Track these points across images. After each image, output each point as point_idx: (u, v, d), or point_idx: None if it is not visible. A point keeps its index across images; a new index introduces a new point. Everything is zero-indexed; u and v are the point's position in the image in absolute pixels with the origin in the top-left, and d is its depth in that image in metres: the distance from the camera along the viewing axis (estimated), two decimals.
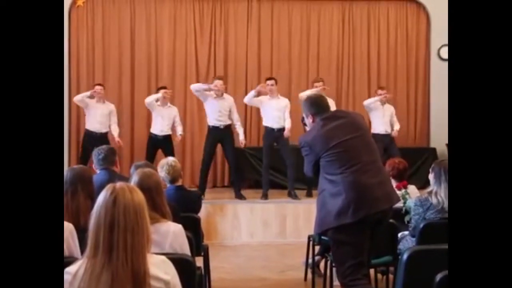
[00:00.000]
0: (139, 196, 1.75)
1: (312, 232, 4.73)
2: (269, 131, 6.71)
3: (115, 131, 6.97)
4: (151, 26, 7.99)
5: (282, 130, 6.65)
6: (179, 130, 6.99)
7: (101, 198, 1.78)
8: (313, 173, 3.20)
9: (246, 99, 6.83)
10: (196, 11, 8.06)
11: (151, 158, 6.90)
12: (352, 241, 2.98)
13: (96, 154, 3.66)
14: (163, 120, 6.87)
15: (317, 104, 3.22)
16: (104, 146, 3.79)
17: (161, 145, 6.90)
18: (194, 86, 6.74)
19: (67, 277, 1.75)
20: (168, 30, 8.00)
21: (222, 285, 4.58)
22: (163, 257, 1.83)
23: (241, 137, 6.80)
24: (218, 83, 6.61)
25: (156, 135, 6.88)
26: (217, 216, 6.34)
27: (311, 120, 3.22)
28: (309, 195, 6.85)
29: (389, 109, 7.36)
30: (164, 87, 7.04)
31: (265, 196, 6.67)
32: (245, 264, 5.43)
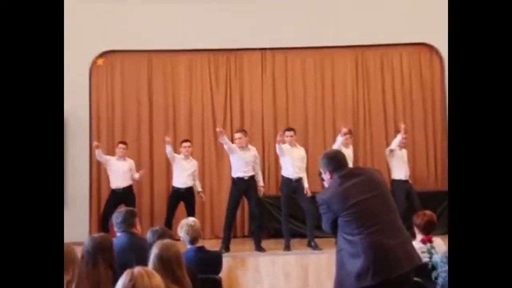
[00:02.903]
0: (157, 281, 1.76)
1: None
2: (287, 181, 6.68)
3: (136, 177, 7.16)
4: (168, 80, 8.17)
5: (299, 180, 6.61)
6: (198, 186, 7.05)
7: (119, 284, 1.79)
8: (331, 231, 3.16)
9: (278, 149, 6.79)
10: (211, 63, 8.23)
11: (172, 211, 6.94)
12: None
13: (115, 217, 3.68)
14: (185, 172, 6.92)
15: (334, 161, 3.21)
16: (122, 209, 3.81)
17: (183, 197, 6.92)
18: (225, 143, 6.76)
19: None
20: (184, 83, 8.17)
21: None
22: None
23: (261, 183, 6.82)
24: (237, 135, 6.69)
25: (178, 188, 6.92)
26: (239, 270, 6.25)
27: (328, 177, 3.21)
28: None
29: (406, 153, 7.31)
30: (187, 140, 7.14)
31: (287, 248, 6.59)
32: None
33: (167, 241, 2.65)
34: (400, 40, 8.23)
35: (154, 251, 2.52)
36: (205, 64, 8.23)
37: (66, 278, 2.32)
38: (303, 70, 8.29)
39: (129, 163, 7.20)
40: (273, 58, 8.28)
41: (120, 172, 7.04)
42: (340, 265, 3.04)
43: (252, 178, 6.69)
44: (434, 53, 8.35)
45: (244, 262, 6.31)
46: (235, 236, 7.81)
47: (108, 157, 7.12)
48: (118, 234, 3.64)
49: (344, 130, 6.90)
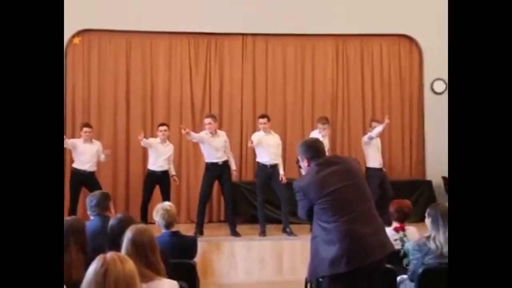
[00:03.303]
0: (130, 267, 1.74)
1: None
2: (262, 167, 6.69)
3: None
4: (147, 63, 8.05)
5: (274, 166, 6.63)
6: (172, 170, 6.99)
7: (91, 269, 1.77)
8: (307, 218, 3.18)
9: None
10: (191, 47, 8.14)
11: (148, 194, 6.89)
12: None
13: (89, 200, 3.63)
14: (162, 156, 6.86)
15: (313, 149, 3.22)
16: (96, 192, 3.76)
17: (159, 181, 6.88)
18: (194, 139, 6.69)
19: None
20: (164, 66, 8.07)
21: None
22: None
23: (233, 167, 6.78)
24: (206, 121, 6.59)
25: (154, 171, 6.86)
26: (213, 255, 6.27)
27: (306, 164, 3.22)
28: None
29: (379, 142, 7.39)
30: (164, 124, 7.05)
31: (263, 233, 6.62)
32: None
33: (140, 225, 2.63)
34: (380, 30, 8.27)
35: (127, 235, 2.50)
36: (185, 47, 8.13)
37: None
38: (283, 56, 8.27)
39: (97, 145, 7.05)
40: (254, 43, 8.24)
41: (88, 155, 6.88)
42: (315, 252, 3.07)
43: (225, 163, 6.67)
44: (414, 44, 8.42)
45: (219, 247, 6.33)
46: (210, 221, 7.83)
47: (73, 140, 6.95)
48: (92, 217, 3.59)
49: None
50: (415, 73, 8.39)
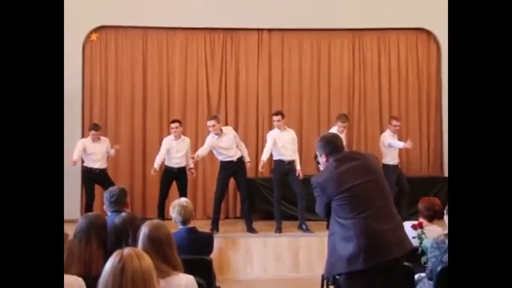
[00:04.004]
0: (147, 262, 1.75)
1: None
2: (279, 163, 6.66)
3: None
4: (163, 58, 8.08)
5: (291, 162, 6.60)
6: (190, 163, 7.00)
7: (108, 265, 1.78)
8: (325, 214, 3.15)
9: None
10: (207, 42, 8.14)
11: (165, 191, 6.93)
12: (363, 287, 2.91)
13: (108, 196, 3.65)
14: (178, 153, 6.88)
15: (331, 144, 3.18)
16: (115, 188, 3.78)
17: (176, 177, 6.91)
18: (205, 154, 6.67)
19: None
20: (180, 61, 8.08)
21: None
22: None
23: (247, 159, 6.76)
24: (210, 123, 6.53)
25: (171, 168, 6.89)
26: (230, 251, 6.28)
27: (324, 160, 3.19)
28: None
29: (396, 139, 7.25)
30: (176, 120, 7.06)
31: (279, 230, 6.60)
32: None
33: (156, 221, 2.63)
34: (397, 24, 8.17)
35: (143, 231, 2.50)
36: (201, 42, 8.13)
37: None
38: (299, 51, 8.22)
39: (105, 142, 7.16)
40: (269, 38, 8.20)
41: (98, 154, 7.01)
42: (332, 249, 3.05)
43: (240, 160, 6.65)
44: (432, 38, 8.30)
45: (236, 243, 6.34)
46: (227, 217, 7.85)
47: (82, 142, 7.01)
48: (109, 213, 3.61)
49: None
50: (433, 67, 8.29)
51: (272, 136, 6.62)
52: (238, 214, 7.91)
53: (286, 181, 6.79)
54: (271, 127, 8.03)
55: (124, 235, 2.90)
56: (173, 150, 6.87)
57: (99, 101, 7.96)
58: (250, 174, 7.85)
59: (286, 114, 7.93)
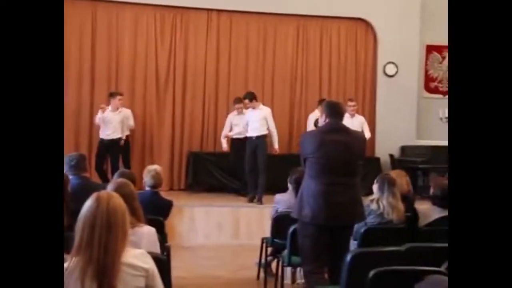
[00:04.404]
0: (117, 201, 2.09)
1: (264, 235, 5.18)
2: (249, 139, 7.13)
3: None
4: (112, 33, 8.16)
5: (259, 138, 7.05)
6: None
7: (87, 203, 2.11)
8: (303, 167, 3.59)
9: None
10: (157, 19, 8.31)
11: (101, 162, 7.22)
12: (311, 238, 3.45)
13: (68, 161, 3.89)
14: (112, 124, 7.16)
15: (332, 108, 3.59)
16: (74, 153, 4.03)
17: (108, 149, 7.19)
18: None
19: None
20: (129, 37, 8.21)
21: (180, 282, 4.89)
22: (142, 250, 2.17)
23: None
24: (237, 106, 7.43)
25: (102, 139, 7.19)
26: (175, 219, 6.62)
27: (323, 120, 3.61)
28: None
29: (359, 120, 7.66)
30: (116, 93, 7.30)
31: (251, 200, 7.07)
32: (201, 263, 5.76)
33: (120, 179, 2.96)
34: (339, 13, 8.68)
35: (110, 188, 2.82)
36: (151, 19, 8.28)
37: None
38: (246, 34, 8.57)
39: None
40: (218, 19, 8.49)
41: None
42: (299, 196, 3.55)
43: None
44: (370, 28, 8.90)
45: (181, 212, 6.70)
46: (171, 189, 8.16)
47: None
48: (70, 177, 3.86)
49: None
50: (370, 56, 8.90)
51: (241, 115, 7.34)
52: (182, 186, 8.24)
53: (238, 157, 7.30)
54: (216, 105, 8.44)
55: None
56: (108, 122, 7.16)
57: None
58: (195, 148, 8.27)
59: (231, 94, 8.36)
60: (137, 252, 2.11)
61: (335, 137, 3.47)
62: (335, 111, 3.57)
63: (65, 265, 2.06)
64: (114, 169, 7.05)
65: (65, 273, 2.03)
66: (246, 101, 7.15)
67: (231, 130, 7.53)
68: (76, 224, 2.09)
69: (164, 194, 7.02)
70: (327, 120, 3.54)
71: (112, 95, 7.28)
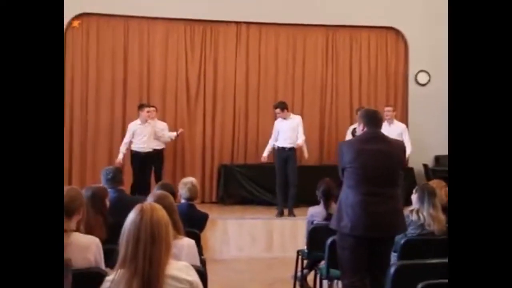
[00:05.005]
0: (160, 213, 2.08)
1: (297, 248, 5.11)
2: (279, 150, 7.03)
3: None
4: (144, 47, 8.30)
5: (290, 149, 6.96)
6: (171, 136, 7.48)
7: (130, 216, 2.10)
8: (341, 177, 3.52)
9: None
10: (187, 33, 8.40)
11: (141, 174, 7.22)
12: (350, 249, 3.37)
13: (105, 174, 3.94)
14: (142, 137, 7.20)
15: (370, 117, 3.52)
16: (111, 167, 4.07)
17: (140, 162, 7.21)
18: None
19: (107, 284, 2.05)
20: (160, 51, 8.32)
21: None
22: (186, 263, 2.15)
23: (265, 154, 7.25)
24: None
25: (138, 152, 7.19)
26: (208, 231, 6.61)
27: (361, 128, 3.54)
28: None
29: (398, 127, 7.29)
30: (144, 105, 7.34)
31: (280, 214, 6.96)
32: (234, 277, 5.72)
33: (160, 192, 2.96)
34: (369, 22, 8.62)
35: (149, 200, 2.82)
36: (181, 33, 8.39)
37: (77, 218, 2.63)
38: (276, 45, 8.58)
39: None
40: (247, 31, 8.53)
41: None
42: (338, 206, 3.47)
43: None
44: (400, 37, 8.80)
45: (214, 224, 6.68)
46: (203, 202, 8.17)
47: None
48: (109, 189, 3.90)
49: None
50: (401, 65, 8.79)
51: (275, 124, 7.15)
52: (213, 199, 8.24)
53: (267, 169, 7.25)
54: (247, 117, 8.45)
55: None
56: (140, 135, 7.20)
57: (79, 88, 8.13)
58: (226, 160, 8.28)
59: (262, 105, 8.37)
60: (181, 265, 2.09)
61: (373, 146, 3.40)
62: (373, 119, 3.49)
63: (110, 277, 2.05)
64: (146, 182, 7.12)
65: (111, 285, 2.02)
66: (278, 110, 7.04)
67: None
68: (119, 237, 2.08)
69: (198, 207, 7.15)
70: (365, 129, 3.48)
71: (140, 107, 7.32)
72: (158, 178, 7.17)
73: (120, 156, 7.10)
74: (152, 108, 7.38)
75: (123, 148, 7.18)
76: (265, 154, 7.19)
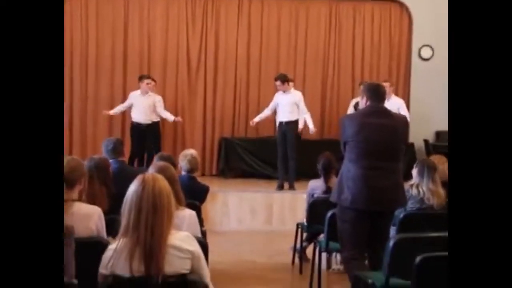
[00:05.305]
0: (162, 183, 2.09)
1: (297, 221, 5.15)
2: (279, 124, 7.02)
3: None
4: (144, 19, 8.20)
5: (289, 123, 6.90)
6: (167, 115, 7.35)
7: (132, 186, 2.11)
8: (343, 151, 3.50)
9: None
10: (188, 6, 8.29)
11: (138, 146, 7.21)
12: (350, 222, 3.39)
13: (105, 145, 3.94)
14: (143, 109, 7.18)
15: (373, 91, 3.47)
16: (112, 138, 4.07)
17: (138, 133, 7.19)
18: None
19: (109, 253, 2.07)
20: (161, 23, 8.23)
21: (217, 267, 4.91)
22: (187, 233, 2.17)
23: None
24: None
25: (139, 124, 7.17)
26: (208, 204, 6.64)
27: (364, 102, 3.50)
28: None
29: (395, 102, 7.08)
30: (144, 76, 7.28)
31: (280, 187, 6.95)
32: (235, 249, 5.78)
33: (162, 163, 2.97)
34: None
35: (150, 171, 2.83)
36: (182, 6, 8.27)
37: (79, 188, 2.64)
38: (278, 17, 8.48)
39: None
40: (249, 3, 8.41)
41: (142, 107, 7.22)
42: (339, 180, 3.48)
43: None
44: (404, 10, 8.68)
45: (214, 197, 6.72)
46: (203, 174, 8.20)
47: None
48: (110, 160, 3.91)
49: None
50: (404, 39, 8.69)
51: (275, 98, 7.06)
52: (214, 172, 8.27)
53: (267, 143, 7.24)
54: (248, 90, 8.41)
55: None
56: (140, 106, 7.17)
57: (79, 61, 8.08)
58: (227, 133, 8.28)
59: (263, 78, 8.32)
60: (183, 235, 2.11)
61: (376, 120, 3.38)
62: (376, 93, 3.45)
63: (113, 246, 2.07)
64: (143, 154, 7.13)
65: (114, 254, 2.04)
66: (278, 82, 6.94)
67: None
68: (121, 207, 2.10)
69: (200, 178, 7.17)
70: (368, 103, 3.45)
71: (140, 78, 7.28)
72: (157, 150, 7.17)
73: (111, 111, 7.25)
74: (150, 80, 7.30)
75: (118, 108, 7.33)
76: (256, 119, 7.15)
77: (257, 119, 7.20)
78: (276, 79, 7.03)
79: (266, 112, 7.19)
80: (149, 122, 7.25)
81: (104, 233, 2.61)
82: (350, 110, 7.39)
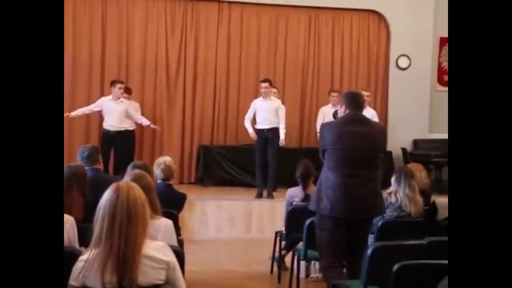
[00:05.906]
0: (136, 192, 2.04)
1: (276, 229, 5.13)
2: (259, 132, 6.94)
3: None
4: (123, 25, 8.10)
5: (270, 130, 6.87)
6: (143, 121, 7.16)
7: (106, 195, 2.05)
8: (322, 158, 3.49)
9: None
10: (167, 12, 8.23)
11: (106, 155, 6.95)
12: (329, 231, 3.37)
13: (80, 152, 3.85)
14: (114, 115, 6.96)
15: (352, 100, 3.47)
16: (87, 145, 3.99)
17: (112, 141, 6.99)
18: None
19: (80, 264, 2.00)
20: (140, 29, 8.14)
21: (193, 276, 4.85)
22: (163, 243, 2.12)
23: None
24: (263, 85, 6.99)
25: (108, 131, 6.98)
26: (185, 212, 6.56)
27: (343, 111, 3.49)
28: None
29: (369, 113, 7.01)
30: (116, 81, 7.08)
31: (259, 195, 6.88)
32: (213, 257, 5.72)
33: (137, 171, 2.90)
34: (352, 5, 8.58)
35: (126, 179, 2.77)
36: (161, 11, 8.22)
37: None
38: (258, 25, 8.48)
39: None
40: (229, 11, 8.40)
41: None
42: (317, 188, 3.46)
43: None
44: (382, 21, 8.78)
45: (192, 206, 6.64)
46: (181, 182, 8.11)
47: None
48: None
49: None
50: (382, 48, 8.78)
51: (254, 103, 7.00)
52: (192, 180, 8.19)
53: (244, 151, 7.20)
54: (227, 97, 8.38)
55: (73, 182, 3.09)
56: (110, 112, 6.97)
57: None
58: (206, 141, 8.22)
59: (242, 86, 8.31)
60: (158, 245, 2.06)
61: (355, 128, 3.38)
62: (355, 102, 3.46)
63: (84, 257, 2.01)
64: (117, 162, 6.96)
65: (85, 264, 1.98)
66: (266, 84, 6.87)
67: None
68: (94, 216, 2.04)
69: (176, 187, 7.10)
70: (346, 111, 3.45)
71: (112, 83, 7.05)
72: (126, 160, 6.97)
73: (73, 112, 6.86)
74: (122, 85, 7.06)
75: (82, 109, 7.00)
76: (251, 131, 6.97)
77: (251, 130, 6.97)
78: (264, 81, 7.01)
79: (248, 123, 7.03)
80: (122, 129, 7.04)
81: (76, 243, 2.54)
82: (320, 118, 7.41)
